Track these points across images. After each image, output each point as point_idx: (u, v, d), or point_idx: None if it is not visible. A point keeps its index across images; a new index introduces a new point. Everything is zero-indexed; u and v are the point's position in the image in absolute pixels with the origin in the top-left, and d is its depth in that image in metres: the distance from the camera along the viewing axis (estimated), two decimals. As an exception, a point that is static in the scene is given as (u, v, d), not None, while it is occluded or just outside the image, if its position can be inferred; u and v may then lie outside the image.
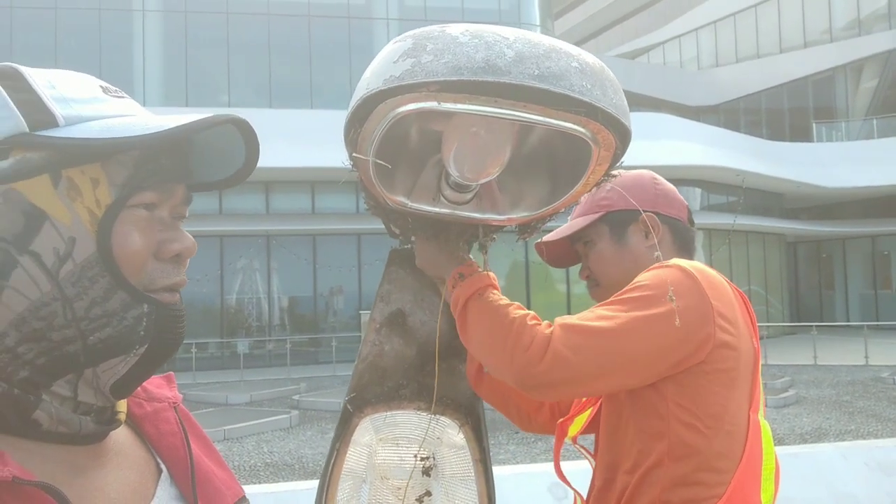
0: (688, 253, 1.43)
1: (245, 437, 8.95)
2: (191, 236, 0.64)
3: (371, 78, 0.86)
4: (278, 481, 6.72)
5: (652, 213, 1.39)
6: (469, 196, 1.11)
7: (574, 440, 1.48)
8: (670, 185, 1.48)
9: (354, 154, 0.93)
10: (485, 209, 1.14)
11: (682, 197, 1.49)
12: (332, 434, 1.43)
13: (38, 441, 0.58)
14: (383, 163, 0.90)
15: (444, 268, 1.28)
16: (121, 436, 0.67)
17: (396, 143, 0.99)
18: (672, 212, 1.43)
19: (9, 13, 16.69)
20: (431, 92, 0.80)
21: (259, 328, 17.81)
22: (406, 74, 0.81)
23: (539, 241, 1.53)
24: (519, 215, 1.12)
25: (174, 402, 0.73)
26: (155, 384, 0.74)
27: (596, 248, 1.43)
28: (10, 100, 0.56)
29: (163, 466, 0.68)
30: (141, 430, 0.70)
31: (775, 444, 1.36)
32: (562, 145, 1.00)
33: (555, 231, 1.50)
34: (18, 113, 0.56)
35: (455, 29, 0.82)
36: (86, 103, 0.59)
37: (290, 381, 13.88)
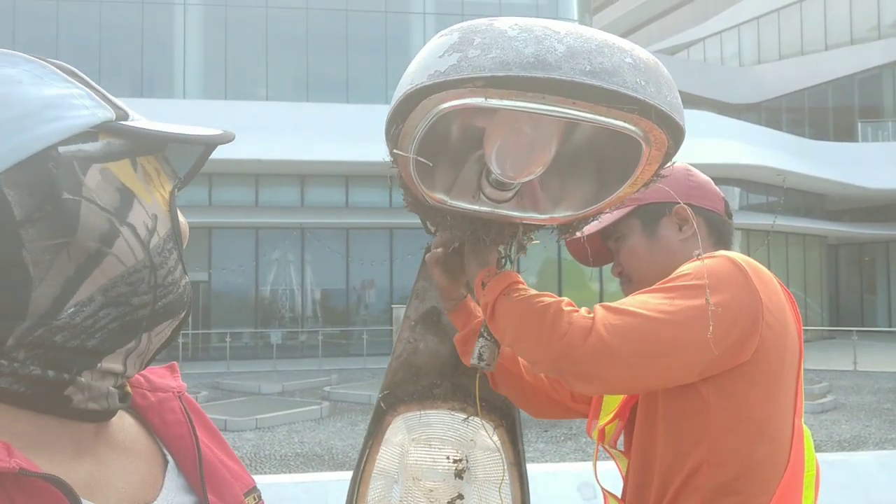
0: (724, 246, 1.37)
1: (276, 427, 9.05)
2: None
3: (415, 72, 0.83)
4: (308, 471, 6.79)
5: (685, 205, 1.34)
6: (510, 194, 1.07)
7: (613, 444, 1.43)
8: (705, 177, 1.42)
9: (395, 150, 0.91)
10: (526, 208, 1.10)
11: (717, 188, 1.43)
12: (362, 426, 1.43)
13: (52, 419, 0.58)
14: (424, 160, 0.88)
15: (472, 273, 1.24)
16: (126, 427, 0.67)
17: (437, 139, 0.96)
18: (707, 203, 1.37)
19: (55, 7, 17.06)
20: (478, 87, 0.77)
21: (292, 319, 18.02)
22: (452, 69, 0.78)
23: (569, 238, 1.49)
24: (561, 215, 1.09)
25: (179, 392, 0.73)
26: (158, 374, 0.74)
27: (627, 243, 1.38)
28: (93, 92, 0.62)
29: (169, 457, 0.68)
30: (146, 420, 0.70)
31: (812, 451, 1.30)
32: (609, 143, 0.96)
33: (584, 228, 1.47)
34: (106, 104, 0.62)
35: (504, 23, 0.79)
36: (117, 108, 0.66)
37: (322, 372, 14.01)
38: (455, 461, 1.41)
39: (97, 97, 0.62)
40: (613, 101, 0.78)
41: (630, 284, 1.41)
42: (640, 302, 1.11)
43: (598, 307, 1.11)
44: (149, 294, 0.62)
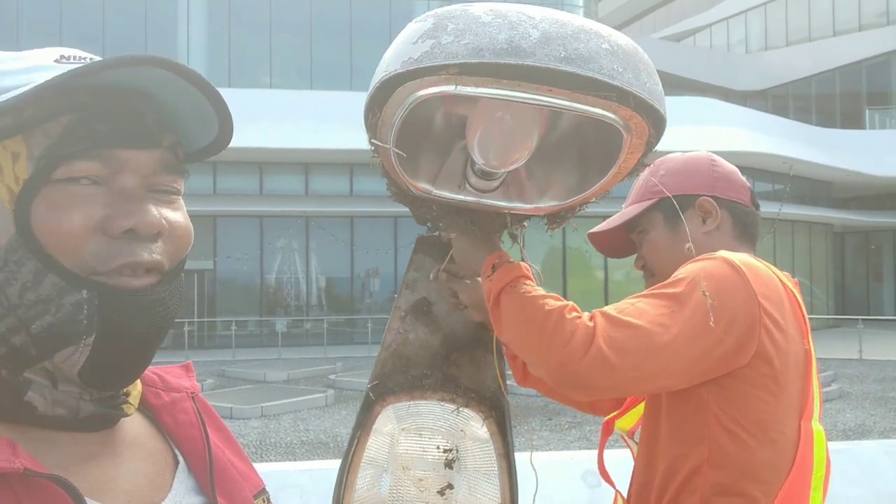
0: (749, 238, 1.36)
1: (282, 415, 9.10)
2: (154, 211, 0.56)
3: (390, 60, 0.82)
4: (314, 459, 6.82)
5: (709, 196, 1.32)
6: (496, 184, 1.06)
7: (631, 435, 1.43)
8: (731, 166, 1.40)
9: (373, 140, 0.89)
10: (512, 197, 1.09)
11: (743, 178, 1.40)
12: (367, 415, 1.42)
13: (42, 428, 0.57)
14: (400, 152, 0.86)
15: (478, 261, 1.21)
16: (136, 426, 0.65)
17: (421, 127, 0.95)
18: (732, 195, 1.35)
19: (58, -6, 17.03)
20: (451, 75, 0.76)
21: (297, 307, 18.07)
22: (425, 56, 0.77)
23: (592, 230, 1.48)
24: (547, 204, 1.07)
25: (192, 392, 0.72)
26: (173, 374, 0.72)
27: (650, 236, 1.37)
28: None
29: (180, 457, 0.67)
30: (158, 420, 0.68)
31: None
32: (593, 132, 0.95)
33: (608, 220, 1.44)
34: None
35: (478, 8, 0.77)
36: (18, 74, 0.55)
37: (327, 360, 14.07)
38: (445, 451, 1.40)
39: None
40: (590, 88, 0.76)
41: (652, 278, 1.39)
42: (639, 311, 1.10)
43: (597, 315, 1.10)
44: (10, 317, 0.54)
